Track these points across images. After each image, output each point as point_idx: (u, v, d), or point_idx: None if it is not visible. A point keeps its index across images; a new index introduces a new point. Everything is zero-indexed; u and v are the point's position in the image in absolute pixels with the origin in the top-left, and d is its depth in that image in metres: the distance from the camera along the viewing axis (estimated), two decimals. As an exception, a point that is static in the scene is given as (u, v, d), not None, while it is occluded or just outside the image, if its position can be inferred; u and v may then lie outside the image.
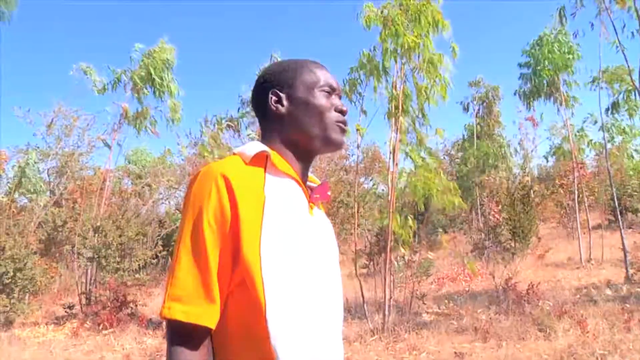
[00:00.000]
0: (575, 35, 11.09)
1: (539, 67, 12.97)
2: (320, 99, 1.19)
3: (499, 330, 5.95)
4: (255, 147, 1.11)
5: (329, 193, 1.27)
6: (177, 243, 1.04)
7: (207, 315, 0.99)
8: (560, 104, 13.15)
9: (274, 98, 1.19)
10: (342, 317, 1.21)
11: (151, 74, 11.41)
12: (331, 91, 1.21)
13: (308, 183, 1.25)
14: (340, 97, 1.26)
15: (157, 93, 11.77)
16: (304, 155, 1.20)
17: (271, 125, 1.20)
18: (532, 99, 13.93)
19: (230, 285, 1.02)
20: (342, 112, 1.21)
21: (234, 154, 1.13)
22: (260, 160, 1.10)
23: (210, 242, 1.00)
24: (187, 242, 1.01)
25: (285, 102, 1.19)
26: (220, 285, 1.00)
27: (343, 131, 1.21)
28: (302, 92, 1.18)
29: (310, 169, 1.26)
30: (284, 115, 1.18)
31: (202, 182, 1.04)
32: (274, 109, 1.19)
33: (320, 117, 1.17)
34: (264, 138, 1.21)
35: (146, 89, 11.64)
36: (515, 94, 14.69)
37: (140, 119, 11.81)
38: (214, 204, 1.01)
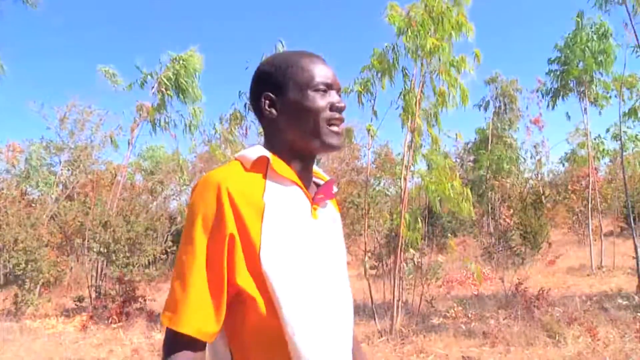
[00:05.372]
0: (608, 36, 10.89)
1: (567, 66, 12.54)
2: (313, 100, 1.13)
3: (508, 336, 5.91)
4: (256, 151, 1.11)
5: (335, 190, 1.25)
6: (179, 253, 1.04)
7: (213, 328, 1.01)
8: (593, 103, 12.73)
9: (267, 102, 1.16)
10: (352, 319, 1.20)
11: (178, 79, 11.62)
12: (327, 88, 1.16)
13: (315, 179, 1.24)
14: (339, 91, 1.20)
15: (181, 97, 11.96)
16: (303, 157, 1.18)
17: (268, 127, 1.19)
18: (556, 97, 13.53)
19: (230, 293, 1.03)
20: (339, 110, 1.16)
21: (235, 158, 1.12)
22: (261, 166, 1.10)
23: (210, 253, 1.01)
24: (191, 253, 1.01)
25: (278, 106, 1.15)
26: (221, 296, 1.01)
27: (338, 133, 1.16)
28: (295, 95, 1.14)
29: (317, 164, 1.25)
30: (278, 119, 1.16)
31: (200, 192, 1.04)
32: (268, 113, 1.16)
33: (314, 119, 1.13)
34: (265, 140, 1.20)
35: (171, 92, 11.81)
36: (537, 91, 14.36)
37: (157, 115, 11.94)
38: (212, 213, 1.01)
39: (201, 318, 0.99)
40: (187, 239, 1.03)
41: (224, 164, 1.13)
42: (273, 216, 1.04)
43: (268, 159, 1.10)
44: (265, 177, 1.09)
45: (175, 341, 1.00)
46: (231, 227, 1.01)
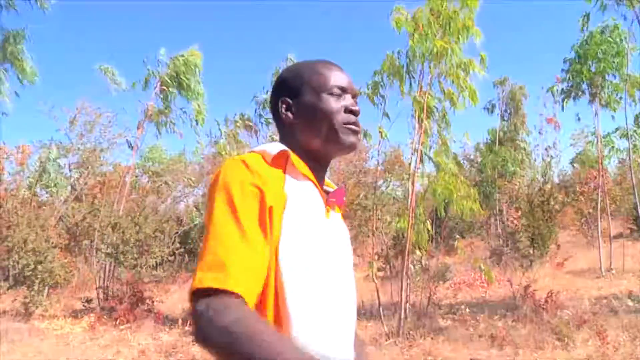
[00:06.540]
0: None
1: (579, 66, 12.33)
2: (328, 102, 1.15)
3: (516, 339, 5.88)
4: (277, 146, 1.11)
5: (345, 198, 1.26)
6: (218, 222, 0.97)
7: (259, 290, 0.98)
8: (605, 105, 12.54)
9: (283, 106, 1.19)
10: (355, 320, 1.20)
11: (179, 76, 11.68)
12: (342, 92, 1.18)
13: (325, 187, 1.24)
14: (354, 96, 1.22)
15: (183, 94, 12.03)
16: (319, 160, 1.19)
17: (285, 131, 1.20)
18: (567, 98, 13.29)
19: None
20: (353, 112, 1.18)
21: (255, 152, 1.12)
22: (281, 161, 1.10)
23: (259, 218, 0.98)
24: (235, 219, 0.96)
25: (294, 109, 1.18)
26: (264, 260, 0.98)
27: (355, 132, 1.18)
28: (310, 98, 1.16)
29: (328, 174, 1.26)
30: (294, 122, 1.17)
31: (230, 169, 1.03)
32: (284, 117, 1.18)
33: (329, 121, 1.15)
34: (280, 142, 1.19)
35: (174, 90, 11.87)
36: (547, 91, 14.24)
37: (162, 117, 12.00)
38: (250, 184, 0.99)
39: (250, 277, 0.95)
40: (228, 207, 0.98)
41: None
42: (293, 208, 1.04)
43: (288, 155, 1.11)
44: (285, 172, 1.09)
45: (217, 304, 0.90)
46: (270, 200, 1.00)
